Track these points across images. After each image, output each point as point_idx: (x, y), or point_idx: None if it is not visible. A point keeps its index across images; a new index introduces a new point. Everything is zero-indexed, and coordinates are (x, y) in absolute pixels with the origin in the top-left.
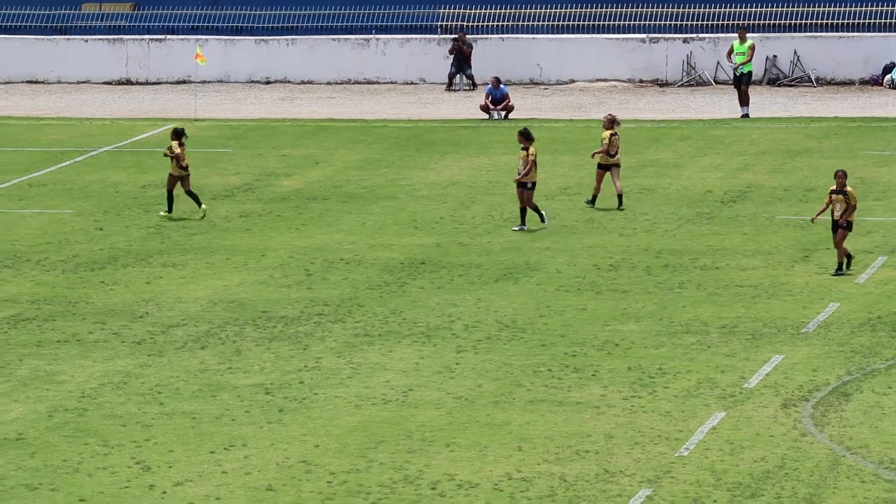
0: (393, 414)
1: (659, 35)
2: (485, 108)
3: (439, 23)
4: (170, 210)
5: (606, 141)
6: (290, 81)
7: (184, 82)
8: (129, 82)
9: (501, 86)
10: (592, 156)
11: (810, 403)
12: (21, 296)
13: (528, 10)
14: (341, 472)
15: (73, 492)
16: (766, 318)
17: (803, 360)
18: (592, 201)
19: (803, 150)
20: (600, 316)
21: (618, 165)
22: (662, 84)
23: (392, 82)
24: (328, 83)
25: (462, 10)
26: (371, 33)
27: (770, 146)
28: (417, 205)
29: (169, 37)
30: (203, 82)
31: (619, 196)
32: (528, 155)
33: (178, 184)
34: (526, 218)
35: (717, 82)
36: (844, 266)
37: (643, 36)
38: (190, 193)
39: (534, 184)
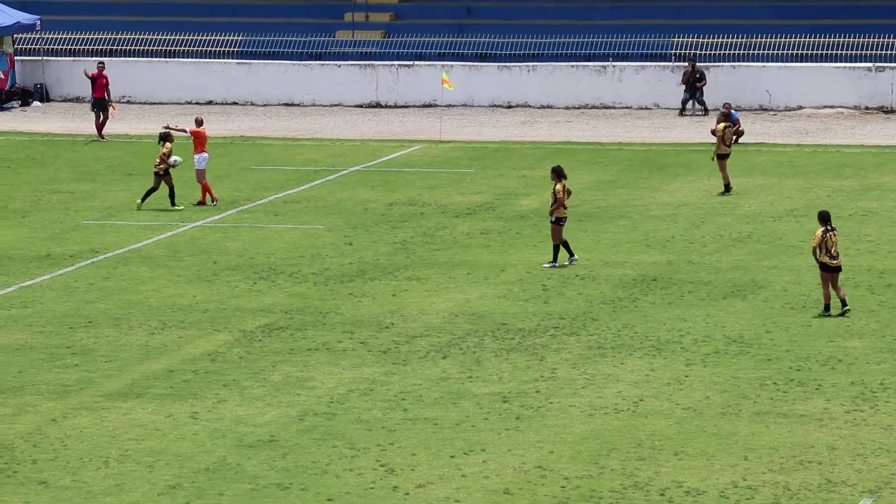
0: (624, 423)
1: (885, 64)
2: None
3: (673, 51)
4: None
5: (720, 133)
6: (530, 106)
7: (430, 106)
8: (378, 105)
9: (732, 111)
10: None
11: None
12: (275, 306)
13: (758, 40)
14: (575, 477)
15: (321, 492)
16: None
17: None
18: (726, 190)
19: None
20: (824, 332)
21: (727, 156)
22: (888, 111)
23: (627, 107)
24: (566, 108)
25: (695, 39)
26: (608, 61)
27: None
28: (650, 224)
29: (417, 63)
30: (448, 106)
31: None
32: (553, 191)
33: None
34: (559, 255)
35: None
36: None
37: (869, 65)
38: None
39: (558, 219)
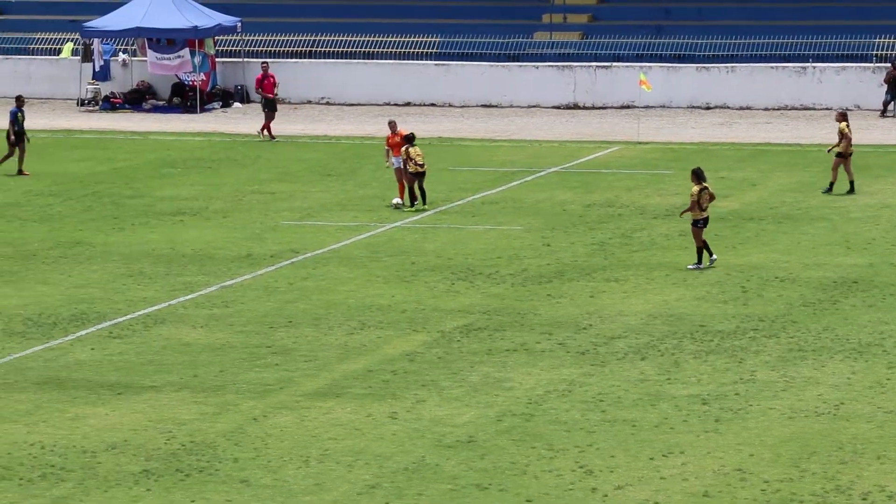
0: (825, 426)
1: None
2: None
3: (874, 52)
4: (412, 204)
5: (845, 131)
6: (728, 107)
7: (628, 107)
8: (576, 107)
9: None
10: (829, 150)
11: None
12: (473, 306)
13: None
14: (775, 480)
15: (520, 492)
16: None
17: None
18: (830, 189)
19: None
20: None
21: (850, 154)
22: None
23: (827, 108)
24: (765, 109)
25: None
26: (808, 62)
27: None
28: (850, 226)
29: (615, 64)
30: (646, 107)
31: (852, 182)
32: (690, 194)
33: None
34: (702, 256)
35: None
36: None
37: None
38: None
39: (695, 221)
